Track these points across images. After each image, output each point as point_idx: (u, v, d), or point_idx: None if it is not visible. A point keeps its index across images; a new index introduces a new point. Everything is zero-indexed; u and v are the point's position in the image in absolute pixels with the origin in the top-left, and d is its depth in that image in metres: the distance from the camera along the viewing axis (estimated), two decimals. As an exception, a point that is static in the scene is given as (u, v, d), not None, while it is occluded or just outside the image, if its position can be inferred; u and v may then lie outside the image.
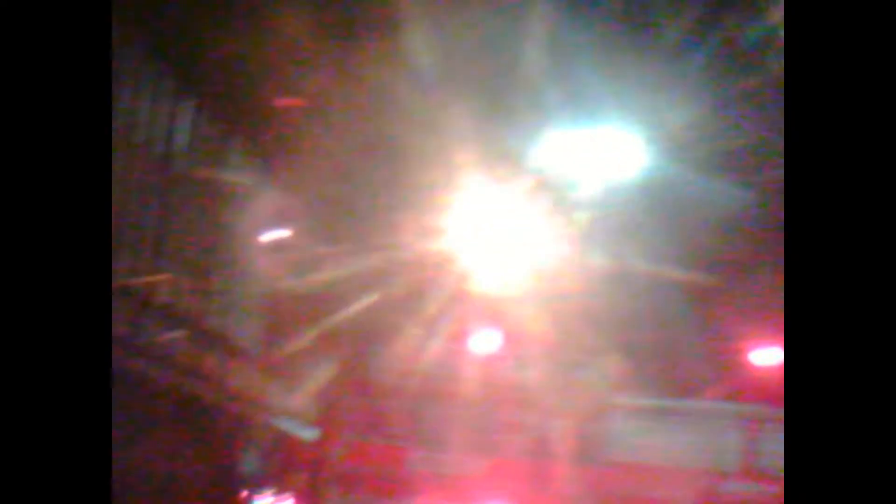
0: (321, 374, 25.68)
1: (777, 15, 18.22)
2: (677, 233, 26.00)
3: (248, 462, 26.09)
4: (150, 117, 18.12)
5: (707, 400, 31.25)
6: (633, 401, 31.99)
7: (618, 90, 21.91)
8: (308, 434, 27.85)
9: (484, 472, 31.99)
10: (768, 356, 28.72)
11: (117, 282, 15.86)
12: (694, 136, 23.57)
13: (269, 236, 23.94)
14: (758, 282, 24.35)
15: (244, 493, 25.14)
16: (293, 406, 27.27)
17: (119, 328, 16.76)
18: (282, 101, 20.41)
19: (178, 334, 19.14)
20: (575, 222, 24.96)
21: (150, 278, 18.14)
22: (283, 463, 28.82)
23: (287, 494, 28.08)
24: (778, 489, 27.88)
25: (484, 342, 31.05)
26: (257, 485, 26.22)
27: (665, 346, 29.82)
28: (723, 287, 27.07)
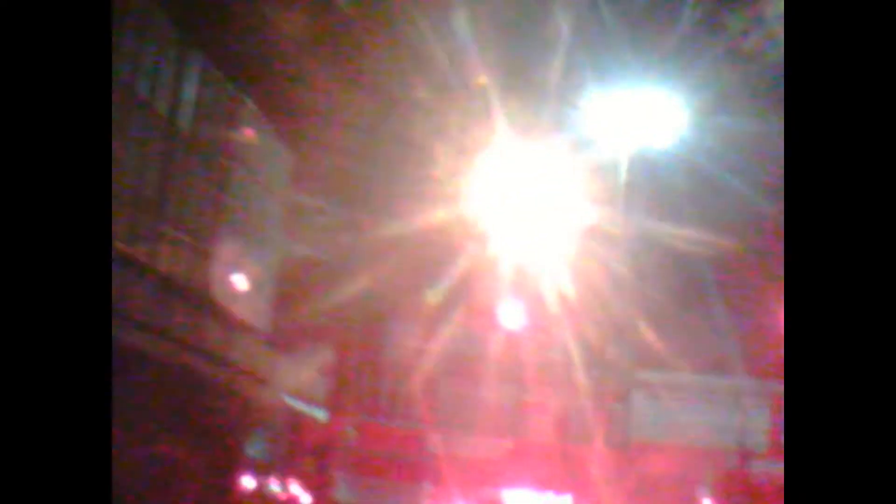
0: (333, 351, 24.11)
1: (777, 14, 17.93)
2: (710, 202, 25.13)
3: (255, 445, 24.53)
4: (154, 69, 16.68)
5: (735, 376, 30.61)
6: (660, 377, 31.07)
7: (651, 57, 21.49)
8: (318, 414, 26.39)
9: (506, 455, 31.04)
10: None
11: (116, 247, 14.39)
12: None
13: (280, 201, 22.39)
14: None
15: (250, 478, 23.60)
16: (302, 384, 25.74)
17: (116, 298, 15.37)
18: (296, 59, 19.07)
19: (178, 305, 17.67)
20: (607, 189, 23.71)
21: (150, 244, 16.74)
22: (292, 446, 27.46)
23: (295, 479, 26.65)
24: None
25: (510, 315, 29.69)
26: (265, 469, 24.71)
27: (696, 321, 28.80)
28: (757, 258, 26.05)
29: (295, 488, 25.51)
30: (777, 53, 20.01)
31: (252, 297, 21.34)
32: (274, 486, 25.10)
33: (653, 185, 25.98)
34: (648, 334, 28.72)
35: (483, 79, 20.40)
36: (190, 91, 18.15)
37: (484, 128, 20.67)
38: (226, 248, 19.41)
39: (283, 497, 25.31)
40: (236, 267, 20.43)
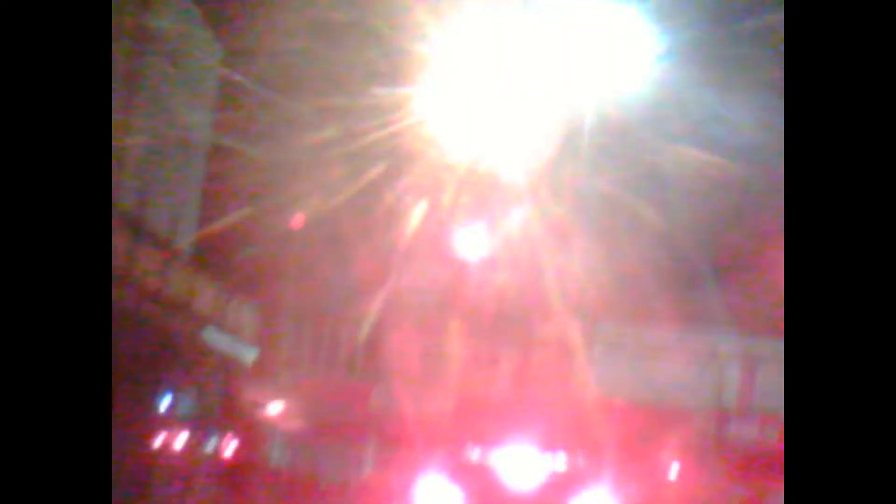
0: (266, 279, 20.84)
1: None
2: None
3: (168, 390, 21.05)
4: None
5: (711, 333, 28.42)
6: (626, 331, 28.72)
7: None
8: (247, 355, 23.22)
9: (452, 411, 28.43)
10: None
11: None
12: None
13: (209, 94, 19.09)
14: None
15: (162, 432, 20.25)
16: (228, 318, 22.46)
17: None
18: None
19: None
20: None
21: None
22: (215, 396, 24.31)
23: (231, 435, 23.50)
24: (778, 430, 26.57)
25: (468, 244, 26.79)
26: (178, 421, 21.39)
27: (676, 276, 26.52)
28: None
29: (211, 444, 22.26)
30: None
31: (168, 204, 17.85)
32: (190, 441, 21.82)
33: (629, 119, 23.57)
34: (616, 284, 26.25)
35: None
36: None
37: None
38: (135, 148, 15.95)
39: (199, 455, 22.01)
40: (148, 167, 16.87)
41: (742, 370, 28.91)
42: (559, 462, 16.42)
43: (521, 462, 16.21)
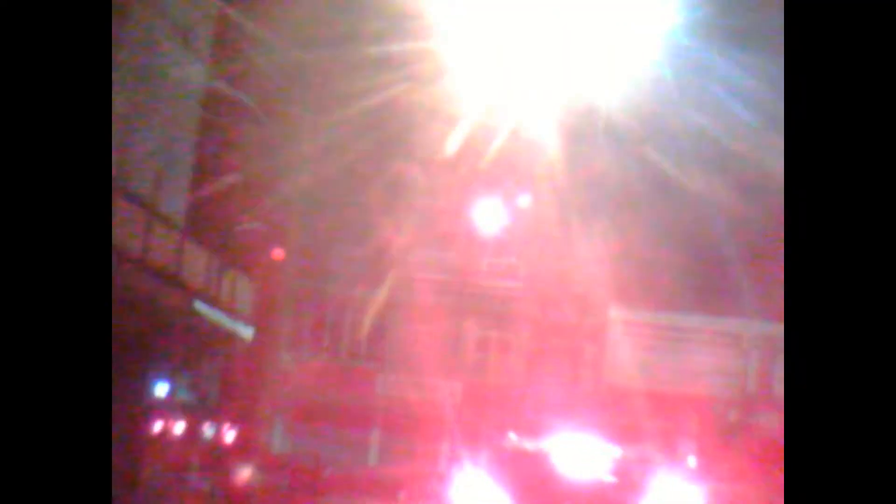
0: (264, 257, 19.59)
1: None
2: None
3: (162, 369, 19.89)
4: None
5: (733, 318, 27.49)
6: (641, 316, 27.64)
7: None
8: (243, 333, 22.10)
9: (458, 398, 27.40)
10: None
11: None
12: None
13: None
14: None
15: (156, 415, 19.13)
16: (224, 293, 21.31)
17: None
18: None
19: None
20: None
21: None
22: (222, 385, 23.32)
23: (230, 423, 22.48)
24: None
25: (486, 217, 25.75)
26: (174, 406, 20.31)
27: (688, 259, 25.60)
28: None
29: (209, 429, 21.14)
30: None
31: (153, 163, 16.44)
32: (182, 427, 20.73)
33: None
34: (631, 268, 25.39)
35: None
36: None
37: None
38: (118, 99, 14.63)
39: (195, 440, 20.94)
40: (132, 122, 15.41)
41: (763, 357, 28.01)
42: (624, 452, 13.93)
43: (580, 452, 13.71)
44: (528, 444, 13.67)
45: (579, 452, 13.51)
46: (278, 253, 16.90)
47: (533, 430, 14.00)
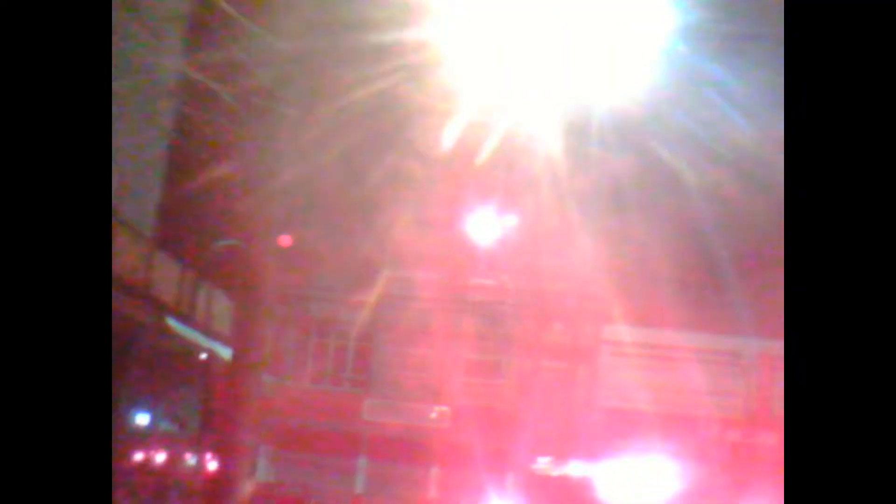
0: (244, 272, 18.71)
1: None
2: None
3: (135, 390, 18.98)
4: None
5: (728, 336, 27.00)
6: (633, 334, 26.97)
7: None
8: (221, 353, 21.31)
9: (450, 423, 26.64)
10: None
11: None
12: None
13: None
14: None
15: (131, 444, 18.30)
16: (199, 310, 20.43)
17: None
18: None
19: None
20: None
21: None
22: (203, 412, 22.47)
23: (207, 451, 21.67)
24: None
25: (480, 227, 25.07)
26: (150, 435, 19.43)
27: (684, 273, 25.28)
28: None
29: (189, 457, 20.31)
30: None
31: (120, 166, 15.51)
32: (161, 455, 19.86)
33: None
34: (622, 286, 24.82)
35: None
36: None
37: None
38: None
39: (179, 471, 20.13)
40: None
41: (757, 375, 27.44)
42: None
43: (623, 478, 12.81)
44: (564, 471, 12.93)
45: (622, 478, 12.84)
46: (285, 239, 16.00)
47: (563, 456, 13.20)
